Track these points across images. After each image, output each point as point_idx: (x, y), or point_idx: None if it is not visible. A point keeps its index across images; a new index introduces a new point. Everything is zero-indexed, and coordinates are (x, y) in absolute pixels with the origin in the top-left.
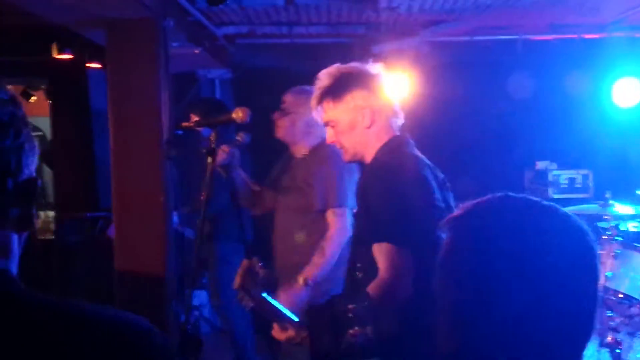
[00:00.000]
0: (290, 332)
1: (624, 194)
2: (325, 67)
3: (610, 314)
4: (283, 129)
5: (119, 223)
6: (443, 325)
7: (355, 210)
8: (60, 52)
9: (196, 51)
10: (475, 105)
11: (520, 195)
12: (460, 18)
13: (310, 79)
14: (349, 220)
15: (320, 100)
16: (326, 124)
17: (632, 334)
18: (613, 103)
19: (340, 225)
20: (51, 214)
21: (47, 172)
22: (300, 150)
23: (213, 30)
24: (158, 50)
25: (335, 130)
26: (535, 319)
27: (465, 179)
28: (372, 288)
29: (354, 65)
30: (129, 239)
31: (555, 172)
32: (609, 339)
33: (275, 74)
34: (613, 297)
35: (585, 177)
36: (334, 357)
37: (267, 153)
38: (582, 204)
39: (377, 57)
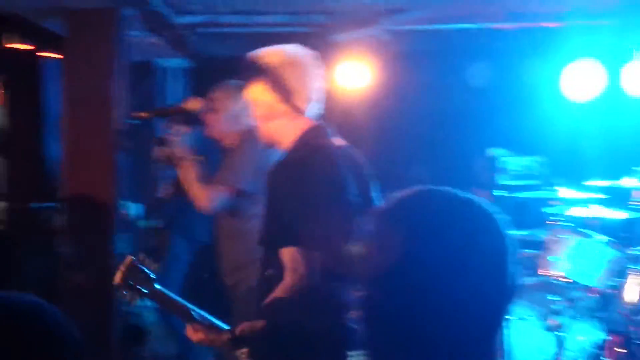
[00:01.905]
0: (200, 335)
1: (572, 180)
2: None
3: (554, 298)
4: (212, 126)
5: (69, 213)
6: (366, 316)
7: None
8: (15, 41)
9: (155, 40)
10: (434, 93)
11: (443, 188)
12: (420, 7)
13: None
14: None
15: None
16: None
17: (574, 317)
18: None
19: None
20: (2, 204)
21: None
22: (231, 140)
23: (172, 19)
24: (116, 40)
25: (257, 109)
26: (451, 308)
27: (420, 165)
28: (279, 291)
29: (268, 51)
30: (78, 228)
31: (507, 159)
32: (551, 322)
33: (236, 63)
34: (557, 282)
35: (535, 163)
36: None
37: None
38: (532, 190)
39: (337, 46)
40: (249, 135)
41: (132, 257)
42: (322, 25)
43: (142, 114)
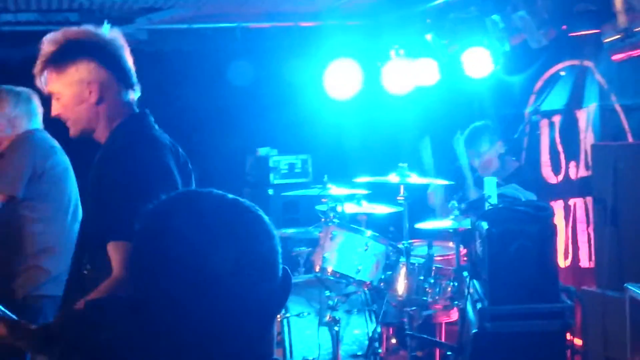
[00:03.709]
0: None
1: (340, 177)
2: (36, 57)
3: (328, 294)
4: None
5: None
6: (135, 318)
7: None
8: None
9: None
10: (196, 94)
11: (206, 189)
12: (177, 5)
13: (20, 68)
14: None
15: (42, 69)
16: (50, 95)
17: (349, 312)
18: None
19: None
20: None
21: None
22: (3, 145)
23: None
24: None
25: (60, 102)
26: (223, 307)
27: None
28: (104, 287)
29: (83, 30)
30: None
31: (276, 158)
32: (327, 317)
33: None
34: (331, 277)
35: (304, 161)
36: None
37: None
38: (302, 188)
39: None
40: (21, 139)
41: None
42: (76, 24)
43: None
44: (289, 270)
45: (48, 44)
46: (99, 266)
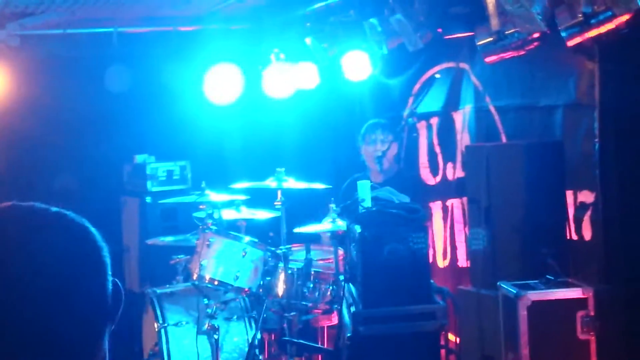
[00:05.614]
0: None
1: (218, 183)
2: None
3: (206, 302)
4: None
5: None
6: None
7: None
8: None
9: None
10: (72, 100)
11: (27, 204)
12: (50, 10)
13: None
14: None
15: None
16: None
17: (228, 319)
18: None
19: None
20: None
21: None
22: None
23: None
24: None
25: None
26: (43, 329)
27: (64, 176)
28: None
29: None
30: None
31: (154, 165)
32: (206, 326)
33: None
34: (209, 285)
35: (183, 168)
36: None
37: None
38: (180, 195)
39: None
40: None
41: None
42: None
43: None
44: (119, 283)
45: None
46: None
